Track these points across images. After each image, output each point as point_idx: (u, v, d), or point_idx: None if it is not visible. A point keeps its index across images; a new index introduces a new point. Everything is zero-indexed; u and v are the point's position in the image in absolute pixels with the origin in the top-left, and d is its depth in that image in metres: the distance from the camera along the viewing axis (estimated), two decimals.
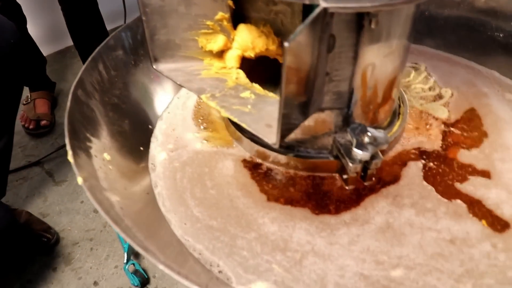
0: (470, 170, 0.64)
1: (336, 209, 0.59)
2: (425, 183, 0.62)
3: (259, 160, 0.66)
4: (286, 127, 0.50)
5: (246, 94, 0.58)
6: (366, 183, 0.62)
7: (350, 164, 0.57)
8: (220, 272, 0.54)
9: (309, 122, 0.60)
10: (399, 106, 0.70)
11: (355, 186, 0.61)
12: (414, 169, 0.65)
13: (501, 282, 0.51)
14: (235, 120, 0.53)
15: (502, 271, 0.53)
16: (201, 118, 0.74)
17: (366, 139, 0.56)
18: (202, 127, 0.72)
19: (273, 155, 0.63)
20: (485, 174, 0.64)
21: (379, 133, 0.57)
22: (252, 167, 0.64)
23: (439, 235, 0.55)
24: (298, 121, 0.53)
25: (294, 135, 0.62)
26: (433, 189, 0.62)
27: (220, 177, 0.62)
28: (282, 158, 0.63)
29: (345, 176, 0.60)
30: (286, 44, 0.41)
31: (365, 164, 0.58)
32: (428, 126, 0.72)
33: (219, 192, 0.62)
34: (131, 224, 0.51)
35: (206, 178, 0.63)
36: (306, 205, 0.60)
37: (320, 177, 0.63)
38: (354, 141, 0.56)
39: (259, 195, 0.61)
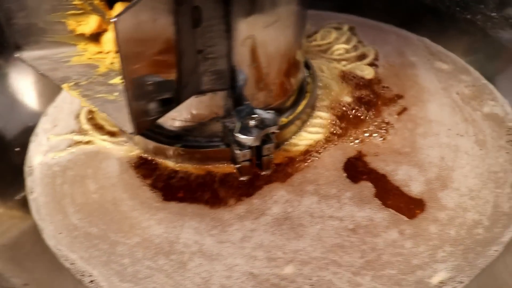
0: (386, 147, 0.64)
1: (231, 202, 0.59)
2: (334, 165, 0.63)
3: (148, 156, 0.64)
4: (149, 113, 0.49)
5: (116, 80, 0.55)
6: (263, 172, 0.60)
7: (237, 151, 0.56)
8: (91, 282, 0.53)
9: (192, 107, 0.58)
10: (307, 82, 0.69)
11: (250, 176, 0.59)
12: (324, 151, 0.65)
13: (404, 272, 0.50)
14: (95, 109, 0.51)
15: (406, 260, 0.53)
16: (92, 113, 0.71)
17: (252, 122, 0.55)
18: (89, 123, 0.70)
19: (161, 148, 0.62)
20: (402, 150, 0.65)
21: (267, 115, 0.56)
22: (141, 164, 0.63)
23: (341, 224, 0.54)
24: (166, 106, 0.51)
25: (180, 123, 0.59)
26: (343, 172, 0.62)
27: (104, 179, 0.60)
28: (170, 150, 0.61)
29: (238, 166, 0.57)
30: (113, 20, 0.39)
31: (257, 150, 0.56)
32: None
33: (102, 196, 0.60)
34: None
35: (89, 181, 0.61)
36: (200, 200, 0.59)
37: (215, 168, 0.63)
38: (238, 125, 0.54)
39: (147, 195, 0.60)
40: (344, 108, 0.70)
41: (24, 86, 0.73)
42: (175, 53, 0.49)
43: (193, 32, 0.51)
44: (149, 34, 0.45)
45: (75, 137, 0.68)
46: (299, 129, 0.67)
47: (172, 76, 0.50)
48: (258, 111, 0.56)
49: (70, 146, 0.66)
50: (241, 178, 0.60)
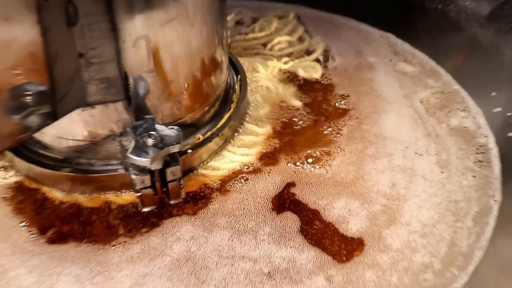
0: (324, 174, 0.63)
1: (125, 240, 0.57)
2: (261, 195, 0.61)
3: (31, 184, 0.62)
4: (13, 131, 0.48)
5: None
6: (171, 202, 0.60)
7: (134, 176, 0.55)
8: None
9: (81, 122, 0.57)
10: (233, 89, 0.69)
11: (154, 207, 0.59)
12: (251, 176, 0.63)
13: None
14: None
15: None
16: None
17: (149, 140, 0.54)
18: None
19: (45, 173, 0.61)
20: (344, 177, 0.63)
21: (168, 131, 0.55)
22: (18, 195, 0.61)
23: (255, 266, 0.52)
24: (39, 122, 0.51)
25: (68, 142, 0.58)
26: (270, 202, 0.60)
27: None
28: (57, 176, 0.60)
29: (138, 194, 0.56)
30: None
31: (162, 175, 0.56)
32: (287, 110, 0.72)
33: None
34: None
35: None
36: (87, 240, 0.57)
37: (114, 198, 0.61)
38: (132, 144, 0.53)
39: (22, 236, 0.55)
40: (283, 120, 0.69)
41: None
42: (44, 58, 0.47)
43: (69, 31, 0.49)
44: (2, 36, 0.44)
45: None
46: (222, 148, 0.66)
47: (44, 86, 0.49)
48: (159, 126, 0.55)
49: None
50: (143, 210, 0.58)
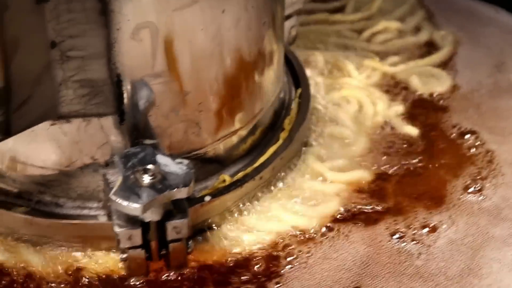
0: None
1: None
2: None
3: None
4: None
5: None
6: (173, 272, 0.62)
7: (117, 228, 0.56)
8: None
9: (45, 143, 0.60)
10: (284, 109, 0.70)
11: (143, 279, 0.61)
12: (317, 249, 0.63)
13: None
14: None
15: None
16: None
17: (145, 178, 0.55)
18: None
19: None
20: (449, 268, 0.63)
21: (175, 166, 0.56)
22: None
23: None
24: None
25: (27, 169, 0.62)
26: None
27: None
28: (5, 217, 0.63)
29: (123, 257, 0.59)
30: None
31: (160, 231, 0.57)
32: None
33: None
34: None
35: None
36: None
37: (87, 259, 0.63)
38: (119, 181, 0.55)
39: None
40: (383, 159, 0.70)
41: None
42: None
43: (38, 9, 0.52)
44: None
45: None
46: (260, 199, 0.67)
47: None
48: (162, 158, 0.56)
49: None
50: (131, 282, 0.60)
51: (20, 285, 0.61)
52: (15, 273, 0.62)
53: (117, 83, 0.56)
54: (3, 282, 0.60)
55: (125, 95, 0.57)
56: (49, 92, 0.56)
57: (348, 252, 0.62)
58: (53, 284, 0.61)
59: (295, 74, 0.74)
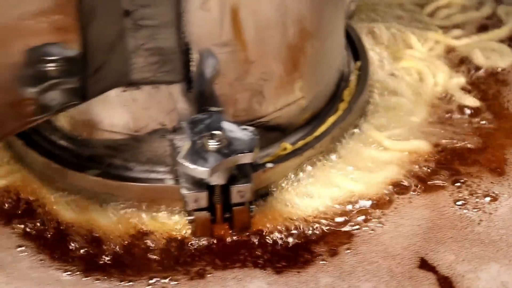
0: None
1: (171, 283, 0.59)
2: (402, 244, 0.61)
3: (25, 192, 0.66)
4: (23, 111, 0.52)
5: None
6: (236, 235, 0.63)
7: (185, 191, 0.58)
8: None
9: (117, 109, 0.61)
10: (344, 81, 0.71)
11: (209, 239, 0.62)
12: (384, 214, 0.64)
13: None
14: None
15: None
16: None
17: (212, 143, 0.56)
18: None
19: (62, 172, 0.65)
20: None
21: (240, 132, 0.57)
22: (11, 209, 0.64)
23: None
24: (62, 102, 0.54)
25: (99, 133, 0.63)
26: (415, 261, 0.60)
27: None
28: (78, 178, 0.64)
29: (189, 218, 0.61)
30: None
31: (224, 194, 0.58)
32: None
33: None
34: None
35: None
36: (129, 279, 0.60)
37: (152, 221, 0.64)
38: (187, 145, 0.56)
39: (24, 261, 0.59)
40: (445, 129, 0.69)
41: None
42: (77, 11, 0.51)
43: None
44: None
45: None
46: (320, 166, 0.67)
47: (72, 51, 0.52)
48: (227, 125, 0.57)
49: None
50: (192, 241, 0.61)
51: (88, 243, 0.63)
52: (83, 231, 0.64)
53: (186, 52, 0.57)
54: (73, 238, 0.63)
55: (192, 64, 0.58)
56: (122, 60, 0.56)
57: (412, 217, 0.63)
58: (117, 242, 0.63)
59: (354, 47, 0.74)
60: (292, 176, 0.66)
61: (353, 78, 0.71)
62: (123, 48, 0.56)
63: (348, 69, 0.72)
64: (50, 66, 0.51)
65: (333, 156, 0.68)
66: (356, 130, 0.70)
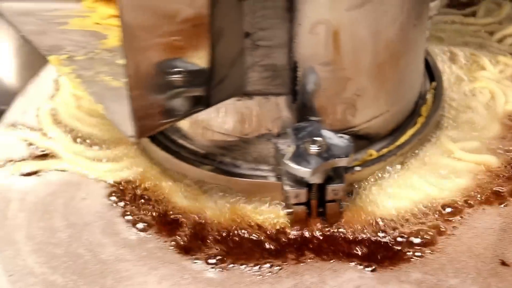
0: None
1: (270, 271, 0.65)
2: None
3: (143, 183, 0.71)
4: (161, 114, 0.58)
5: None
6: (327, 227, 0.67)
7: (288, 188, 0.63)
8: None
9: (231, 115, 0.66)
10: (421, 99, 0.76)
11: (304, 228, 0.67)
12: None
13: None
14: (91, 97, 0.62)
15: None
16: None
17: (313, 148, 0.61)
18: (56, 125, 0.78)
19: (181, 166, 0.71)
20: None
21: (337, 139, 0.62)
22: (129, 194, 0.71)
23: None
24: (189, 107, 0.60)
25: (214, 135, 0.69)
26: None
27: (77, 214, 0.68)
28: (194, 172, 0.71)
29: (288, 211, 0.66)
30: None
31: (320, 192, 0.64)
32: None
33: (72, 237, 0.66)
34: None
35: (56, 214, 0.69)
36: (231, 262, 0.65)
37: (252, 212, 0.70)
38: (292, 149, 0.61)
39: (151, 239, 0.65)
40: (509, 147, 0.73)
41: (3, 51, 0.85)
42: (208, 32, 0.56)
43: (239, 6, 0.58)
44: (169, 2, 0.52)
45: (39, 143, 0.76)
46: (398, 171, 0.72)
47: (201, 65, 0.57)
48: (326, 133, 0.63)
49: (41, 157, 0.76)
50: (292, 232, 0.67)
51: (196, 228, 0.69)
52: (194, 217, 0.70)
53: (294, 69, 0.62)
54: (185, 223, 0.69)
55: (298, 79, 0.63)
56: (240, 74, 0.61)
57: (486, 221, 0.66)
58: (224, 229, 0.69)
59: (429, 68, 0.79)
60: (376, 178, 0.70)
61: (429, 96, 0.76)
62: (242, 64, 0.61)
63: (425, 88, 0.77)
64: (181, 77, 0.56)
65: (412, 163, 0.72)
66: (432, 141, 0.74)
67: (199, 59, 0.57)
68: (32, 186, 0.72)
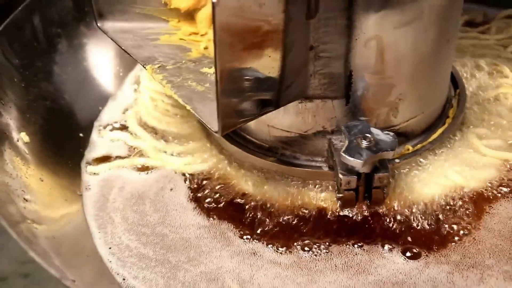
0: None
1: (323, 248, 0.71)
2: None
3: (215, 173, 0.77)
4: (240, 114, 0.64)
5: (209, 69, 0.72)
6: (372, 208, 0.74)
7: (341, 176, 0.70)
8: None
9: (295, 114, 0.73)
10: (448, 103, 0.82)
11: (352, 210, 0.75)
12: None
13: None
14: (180, 100, 0.68)
15: None
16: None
17: (364, 142, 0.68)
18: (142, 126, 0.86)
19: (249, 158, 0.78)
20: None
21: (384, 136, 0.69)
22: (205, 185, 0.77)
23: None
24: (262, 108, 0.66)
25: (278, 131, 0.76)
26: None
27: (162, 201, 0.76)
28: (260, 162, 0.78)
29: (339, 195, 0.73)
30: (213, 1, 0.53)
31: (367, 180, 0.71)
32: None
33: (160, 220, 0.74)
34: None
35: (147, 201, 0.77)
36: (285, 241, 0.70)
37: (307, 198, 0.75)
38: (346, 143, 0.68)
39: (215, 223, 0.73)
40: None
41: (102, 62, 0.93)
42: (281, 46, 0.58)
43: (306, 24, 0.61)
44: (252, 21, 0.54)
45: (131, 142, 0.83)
46: (430, 164, 0.78)
47: (274, 73, 0.60)
48: (374, 130, 0.69)
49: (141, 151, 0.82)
50: (340, 210, 0.74)
51: (261, 211, 0.75)
52: (257, 200, 0.75)
53: (349, 77, 0.68)
54: (248, 206, 0.76)
55: (352, 85, 0.69)
56: (303, 80, 0.68)
57: None
58: (284, 211, 0.75)
59: (452, 77, 0.84)
60: (412, 169, 0.77)
61: (454, 101, 0.82)
62: (306, 72, 0.67)
63: (451, 94, 0.83)
64: (256, 83, 0.62)
65: (442, 156, 0.78)
66: (459, 137, 0.80)
67: (273, 68, 0.62)
68: (131, 178, 0.79)
